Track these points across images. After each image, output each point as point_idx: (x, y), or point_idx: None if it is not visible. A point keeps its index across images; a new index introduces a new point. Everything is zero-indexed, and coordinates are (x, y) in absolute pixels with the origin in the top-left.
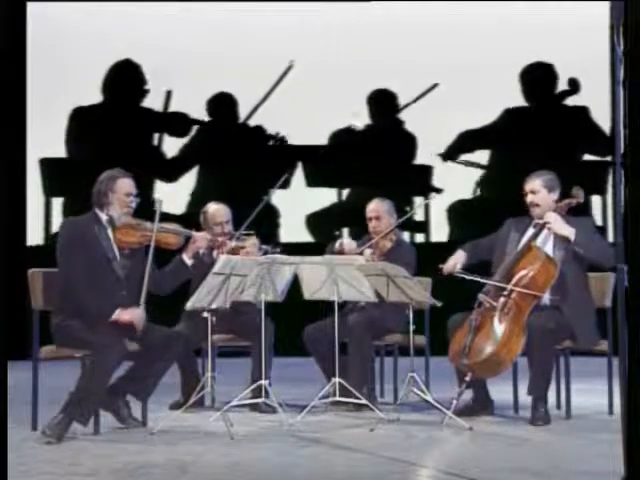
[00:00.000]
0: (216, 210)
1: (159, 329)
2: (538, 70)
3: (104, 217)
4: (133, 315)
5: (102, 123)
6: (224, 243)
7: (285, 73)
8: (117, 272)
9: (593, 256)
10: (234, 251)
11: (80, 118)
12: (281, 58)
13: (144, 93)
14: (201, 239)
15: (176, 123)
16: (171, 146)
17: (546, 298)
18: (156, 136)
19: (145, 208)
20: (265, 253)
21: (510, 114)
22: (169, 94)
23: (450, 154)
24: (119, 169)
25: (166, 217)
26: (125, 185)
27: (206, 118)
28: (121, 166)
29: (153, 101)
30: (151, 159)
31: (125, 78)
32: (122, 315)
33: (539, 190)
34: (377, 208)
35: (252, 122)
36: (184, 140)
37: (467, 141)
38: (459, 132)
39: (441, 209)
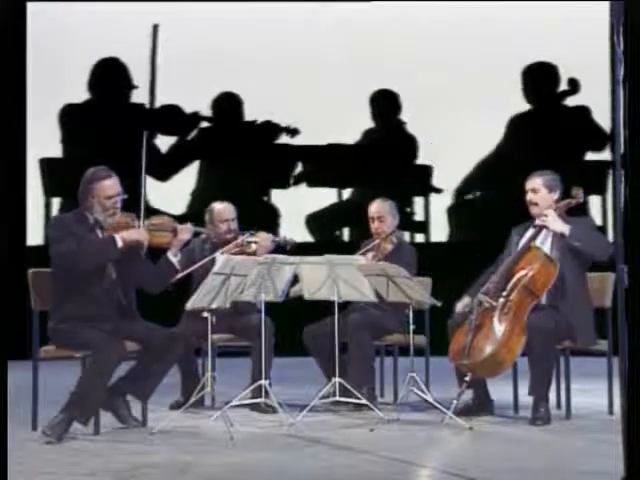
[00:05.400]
0: (222, 208)
1: (159, 329)
2: (541, 70)
3: (90, 218)
4: (139, 234)
5: (90, 121)
6: (228, 241)
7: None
8: (108, 270)
9: (589, 249)
10: (242, 249)
11: (69, 116)
12: (282, 57)
13: (131, 88)
14: (184, 231)
15: (168, 119)
16: (165, 143)
17: (543, 297)
18: (148, 132)
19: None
20: (279, 245)
21: (513, 121)
22: (156, 28)
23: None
24: (102, 168)
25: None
26: (104, 188)
27: (203, 116)
28: (116, 164)
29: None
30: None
31: (109, 75)
32: (130, 236)
33: (539, 189)
34: (379, 209)
35: (254, 121)
36: (178, 138)
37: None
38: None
39: (441, 209)
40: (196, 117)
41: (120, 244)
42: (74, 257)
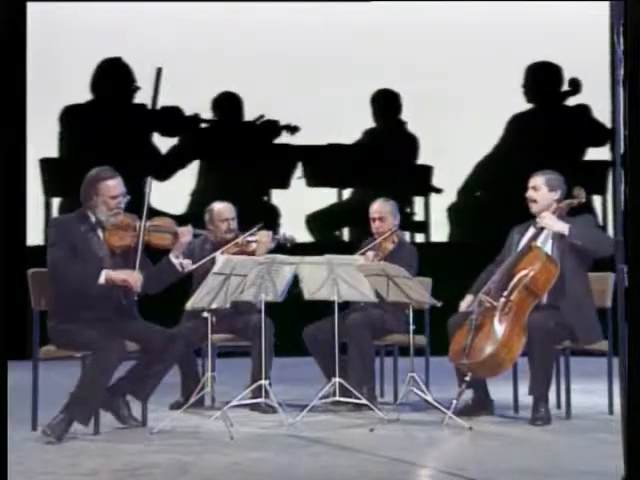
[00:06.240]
0: (222, 207)
1: (159, 329)
2: (543, 70)
3: (93, 218)
4: (129, 275)
5: (92, 121)
6: (228, 241)
7: (257, 120)
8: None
9: (591, 245)
10: (242, 248)
11: (70, 116)
12: (282, 57)
13: (134, 89)
14: (186, 233)
15: (169, 120)
16: (165, 143)
17: (544, 297)
18: (150, 133)
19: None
20: (279, 243)
21: (514, 121)
22: (159, 72)
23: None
24: (106, 168)
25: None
26: (109, 188)
27: (203, 116)
28: (117, 164)
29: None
30: (147, 157)
31: (112, 75)
32: (118, 275)
33: (540, 187)
34: (381, 209)
35: (254, 121)
36: (178, 138)
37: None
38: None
39: (441, 209)
40: (196, 119)
41: (102, 281)
42: (63, 271)
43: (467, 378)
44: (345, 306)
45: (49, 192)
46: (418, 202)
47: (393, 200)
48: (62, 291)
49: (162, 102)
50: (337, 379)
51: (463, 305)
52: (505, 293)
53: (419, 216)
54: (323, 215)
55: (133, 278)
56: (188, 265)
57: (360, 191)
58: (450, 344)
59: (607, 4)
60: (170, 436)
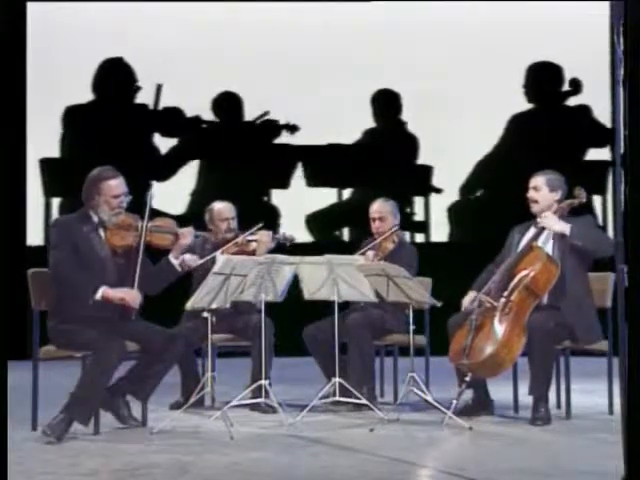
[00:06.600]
0: (222, 207)
1: (159, 330)
2: (544, 69)
3: (95, 218)
4: (126, 294)
5: (94, 121)
6: (229, 240)
7: (261, 116)
8: (109, 271)
9: (591, 246)
10: (242, 248)
11: (72, 116)
12: (282, 57)
13: (135, 89)
14: (186, 235)
15: (169, 121)
16: (166, 143)
17: (545, 297)
18: (151, 133)
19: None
20: (279, 243)
21: (514, 120)
22: (159, 88)
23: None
24: (108, 167)
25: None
26: (112, 187)
27: (203, 116)
28: (118, 164)
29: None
30: (147, 157)
31: (114, 76)
32: (115, 293)
33: (541, 187)
34: (381, 209)
35: (254, 121)
36: (178, 138)
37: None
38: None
39: (441, 209)
40: (197, 119)
41: (98, 297)
42: (65, 274)
43: (467, 378)
44: (345, 306)
45: (49, 192)
46: (418, 202)
47: (393, 200)
48: (63, 293)
49: (162, 102)
50: (337, 379)
51: (466, 301)
52: (505, 293)
53: (419, 216)
54: (323, 215)
55: (131, 297)
56: (193, 261)
57: (360, 191)
58: (450, 344)
59: (607, 4)
60: (170, 436)
